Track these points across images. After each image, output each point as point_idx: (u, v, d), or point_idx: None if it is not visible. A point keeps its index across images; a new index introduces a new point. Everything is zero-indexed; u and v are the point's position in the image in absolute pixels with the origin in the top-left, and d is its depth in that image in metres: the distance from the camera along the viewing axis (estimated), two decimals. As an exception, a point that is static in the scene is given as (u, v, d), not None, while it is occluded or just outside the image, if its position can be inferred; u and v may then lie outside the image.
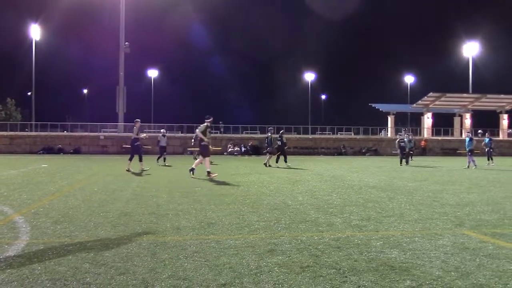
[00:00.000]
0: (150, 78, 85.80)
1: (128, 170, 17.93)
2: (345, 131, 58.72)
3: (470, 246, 5.62)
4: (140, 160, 18.81)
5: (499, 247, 5.61)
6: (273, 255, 5.10)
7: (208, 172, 15.35)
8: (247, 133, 53.09)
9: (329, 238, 6.04)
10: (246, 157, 38.26)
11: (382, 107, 62.42)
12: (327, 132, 58.02)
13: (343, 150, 45.85)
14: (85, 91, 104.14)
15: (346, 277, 4.36)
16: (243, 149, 42.56)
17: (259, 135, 49.54)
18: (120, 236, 6.06)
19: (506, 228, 6.86)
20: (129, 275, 4.37)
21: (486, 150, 27.22)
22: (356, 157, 41.67)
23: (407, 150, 26.58)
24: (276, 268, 4.63)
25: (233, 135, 47.89)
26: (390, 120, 59.52)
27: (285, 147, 23.76)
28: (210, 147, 16.08)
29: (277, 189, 11.97)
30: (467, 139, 24.69)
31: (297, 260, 4.93)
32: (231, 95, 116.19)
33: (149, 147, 27.12)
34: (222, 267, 4.64)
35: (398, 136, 29.14)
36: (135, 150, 18.92)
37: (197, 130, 16.25)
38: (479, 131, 54.67)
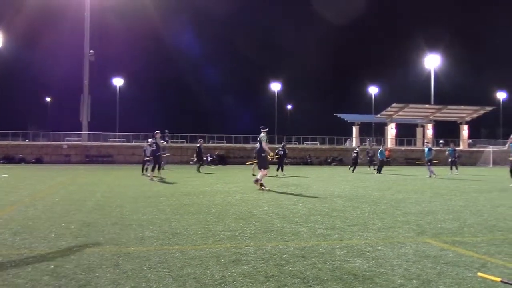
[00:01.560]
0: (116, 86, 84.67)
1: (151, 179, 18.73)
2: (311, 141, 59.28)
3: (431, 254, 5.73)
4: (158, 169, 19.98)
5: (459, 254, 5.74)
6: (238, 265, 5.09)
7: (257, 181, 14.77)
8: (214, 142, 53.00)
9: (294, 247, 6.06)
10: (213, 166, 38.10)
11: (347, 117, 63.37)
12: (293, 142, 58.47)
13: (309, 160, 46.22)
14: (48, 99, 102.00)
15: (310, 286, 4.38)
16: (209, 158, 42.37)
17: (225, 144, 49.55)
18: (82, 247, 5.94)
19: (465, 236, 7.03)
20: (90, 287, 4.29)
21: (450, 160, 28.01)
22: (321, 166, 42.07)
23: (377, 160, 27.35)
24: (240, 278, 4.61)
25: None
26: (355, 130, 60.44)
27: (285, 158, 25.26)
28: (269, 157, 15.41)
29: (243, 199, 11.96)
30: (426, 149, 25.31)
31: (262, 269, 4.92)
32: (198, 103, 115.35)
33: (168, 154, 28.03)
34: (186, 278, 4.60)
35: (356, 148, 31.18)
36: (156, 159, 19.89)
37: (262, 142, 15.02)
38: (440, 141, 56.17)
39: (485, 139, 67.76)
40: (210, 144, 49.25)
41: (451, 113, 58.09)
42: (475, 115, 58.66)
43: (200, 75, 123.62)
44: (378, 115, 59.05)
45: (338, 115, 63.71)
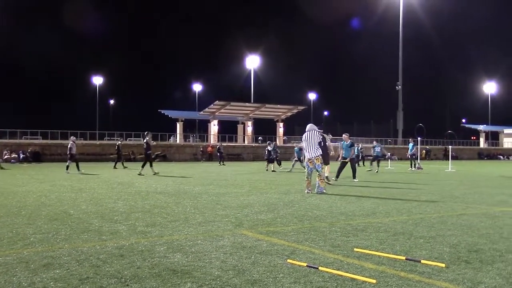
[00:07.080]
0: None
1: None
2: (134, 137, 58.12)
3: (247, 245, 6.01)
4: (151, 165, 21.94)
5: (272, 244, 6.12)
6: (49, 269, 4.75)
7: (326, 178, 15.88)
8: (27, 138, 48.92)
9: (112, 246, 5.87)
10: (26, 164, 35.10)
11: (171, 113, 63.42)
12: (115, 138, 56.69)
13: (132, 157, 45.19)
14: None
15: (128, 285, 4.27)
16: (21, 156, 38.92)
17: (40, 141, 46.11)
18: None
19: (278, 226, 7.53)
20: None
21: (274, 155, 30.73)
22: (145, 163, 41.45)
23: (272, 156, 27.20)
24: (51, 283, 4.31)
25: (10, 140, 43.56)
26: (179, 126, 60.81)
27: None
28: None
29: (59, 199, 11.23)
30: None
31: (76, 272, 4.67)
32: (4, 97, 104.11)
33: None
34: (-13, 288, 4.15)
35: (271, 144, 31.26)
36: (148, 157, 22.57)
37: (327, 141, 15.81)
38: (259, 138, 59.41)
39: (298, 136, 73.55)
40: (22, 140, 45.25)
41: (268, 111, 61.76)
42: (289, 114, 63.17)
43: (15, 64, 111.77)
44: (202, 112, 60.25)
45: (162, 111, 63.42)
